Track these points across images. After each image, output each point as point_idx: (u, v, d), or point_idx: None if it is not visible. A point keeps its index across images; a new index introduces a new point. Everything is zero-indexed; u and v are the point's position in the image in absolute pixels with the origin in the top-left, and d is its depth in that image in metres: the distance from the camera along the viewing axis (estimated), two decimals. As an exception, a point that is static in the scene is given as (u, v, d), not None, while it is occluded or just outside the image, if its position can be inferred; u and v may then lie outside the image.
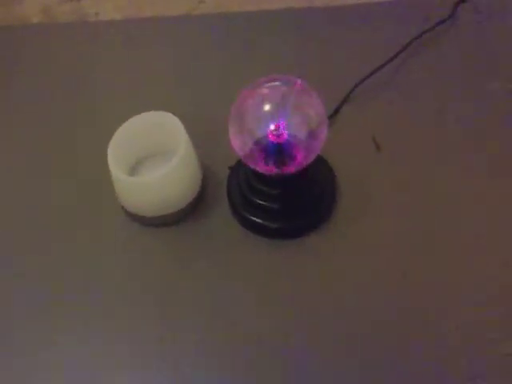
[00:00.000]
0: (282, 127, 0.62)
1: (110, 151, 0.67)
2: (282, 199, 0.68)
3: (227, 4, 0.99)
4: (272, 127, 0.62)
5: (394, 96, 0.80)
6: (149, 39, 0.94)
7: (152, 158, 0.73)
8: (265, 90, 0.63)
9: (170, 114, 0.69)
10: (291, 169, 0.64)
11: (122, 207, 0.71)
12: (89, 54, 0.94)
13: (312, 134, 0.64)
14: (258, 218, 0.68)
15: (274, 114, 0.62)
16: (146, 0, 1.03)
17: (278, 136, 0.63)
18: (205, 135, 0.74)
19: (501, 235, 0.66)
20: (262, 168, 0.64)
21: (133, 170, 0.73)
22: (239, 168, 0.70)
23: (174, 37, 0.94)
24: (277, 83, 0.63)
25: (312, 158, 0.64)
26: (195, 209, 0.71)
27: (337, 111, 0.77)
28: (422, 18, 0.87)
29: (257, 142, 0.64)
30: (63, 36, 0.98)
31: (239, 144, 0.64)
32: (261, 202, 0.67)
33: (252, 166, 0.65)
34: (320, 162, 0.70)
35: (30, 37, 0.99)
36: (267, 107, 0.63)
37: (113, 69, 0.90)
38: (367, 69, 0.79)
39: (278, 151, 0.64)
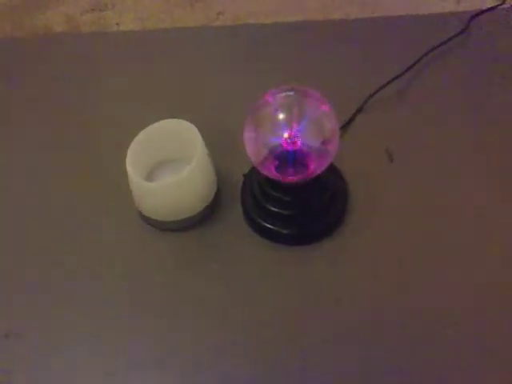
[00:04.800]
0: (295, 136, 0.64)
1: (128, 156, 0.69)
2: (294, 206, 0.69)
3: (245, 16, 1.02)
4: (286, 135, 0.64)
5: (407, 107, 0.81)
6: (168, 49, 0.96)
7: (169, 164, 0.75)
8: (279, 100, 0.64)
9: (186, 122, 0.71)
10: (304, 176, 0.66)
11: (138, 211, 0.73)
12: (109, 62, 0.96)
13: (325, 143, 0.65)
14: (270, 224, 0.69)
15: (288, 123, 0.64)
16: (166, 11, 1.06)
17: (292, 144, 0.64)
18: (220, 143, 0.76)
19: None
20: (275, 175, 0.66)
21: (150, 175, 0.75)
22: (253, 175, 0.72)
23: (193, 47, 0.96)
24: (291, 93, 0.65)
25: (324, 166, 0.66)
26: (209, 214, 0.73)
27: (350, 121, 0.79)
28: (436, 32, 0.88)
29: (271, 150, 0.66)
30: (85, 45, 1.01)
31: (254, 151, 0.65)
32: (274, 209, 0.69)
33: (266, 173, 0.66)
34: (332, 170, 0.72)
35: (54, 46, 1.02)
36: (281, 116, 0.64)
37: (132, 78, 0.93)
38: (381, 80, 0.81)
39: (292, 159, 0.65)
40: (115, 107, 0.88)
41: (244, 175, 0.74)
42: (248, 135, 0.65)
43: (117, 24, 1.06)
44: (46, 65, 0.98)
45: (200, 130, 0.71)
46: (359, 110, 0.80)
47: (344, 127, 0.78)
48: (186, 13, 1.05)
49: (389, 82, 0.80)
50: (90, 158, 0.82)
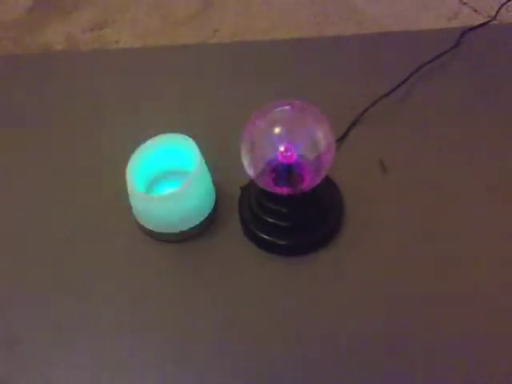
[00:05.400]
0: (291, 149, 0.65)
1: (128, 169, 0.71)
2: (291, 218, 0.70)
3: (241, 33, 1.04)
4: (281, 149, 0.65)
5: (401, 121, 0.83)
6: (166, 66, 0.98)
7: (168, 177, 0.77)
8: (275, 114, 0.66)
9: (185, 137, 0.72)
10: (300, 189, 0.67)
11: (138, 223, 0.74)
12: (109, 80, 0.98)
13: (320, 156, 0.67)
14: (267, 235, 0.71)
15: (284, 137, 0.65)
16: (164, 29, 1.08)
17: (287, 157, 0.66)
18: (219, 156, 0.77)
19: (503, 258, 0.68)
20: (272, 188, 0.67)
21: (149, 187, 0.76)
22: (250, 187, 0.73)
23: (191, 64, 0.98)
24: (286, 107, 0.66)
25: (320, 178, 0.67)
26: (208, 226, 0.74)
27: (345, 134, 0.81)
28: (428, 48, 0.90)
29: (268, 163, 0.67)
30: (85, 63, 1.03)
31: (251, 165, 0.67)
32: (270, 220, 0.70)
33: (262, 185, 0.68)
34: (328, 182, 0.73)
35: (54, 63, 1.04)
36: (277, 130, 0.66)
37: (132, 94, 0.94)
38: (375, 95, 0.83)
39: (288, 172, 0.67)
40: (115, 123, 0.90)
41: (241, 188, 0.76)
42: (245, 149, 0.66)
43: (116, 42, 1.08)
44: (46, 82, 0.99)
45: (198, 143, 0.72)
46: (354, 124, 0.82)
47: (339, 140, 0.79)
48: (183, 30, 1.07)
49: (382, 97, 0.82)
50: (89, 172, 0.83)
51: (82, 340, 0.67)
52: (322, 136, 0.66)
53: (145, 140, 0.74)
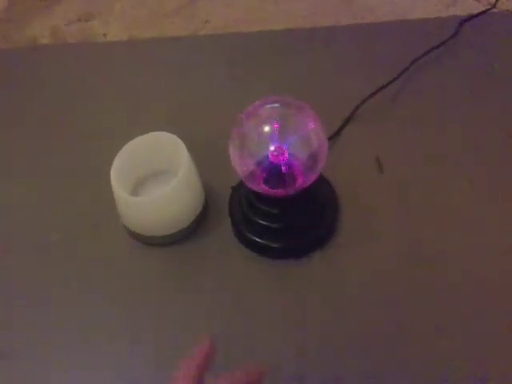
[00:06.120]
0: (282, 148, 0.62)
1: (113, 170, 0.68)
2: (283, 219, 0.68)
3: (232, 24, 1.01)
4: (272, 148, 0.62)
5: (398, 116, 0.80)
6: (155, 59, 0.95)
7: (155, 177, 0.74)
8: (264, 112, 0.63)
9: (171, 135, 0.70)
10: (292, 189, 0.64)
11: (125, 226, 0.72)
12: (96, 74, 0.95)
13: (312, 155, 0.64)
14: (259, 237, 0.68)
15: (274, 136, 0.63)
16: (154, 20, 1.04)
17: (279, 157, 0.63)
18: (208, 155, 0.74)
19: (503, 254, 0.66)
20: (262, 189, 0.65)
21: (136, 188, 0.73)
22: (241, 188, 0.70)
23: (180, 57, 0.95)
24: (276, 105, 0.63)
25: (312, 178, 0.64)
26: (197, 228, 0.72)
27: (339, 131, 0.78)
28: (426, 37, 0.87)
29: (258, 163, 0.65)
30: (72, 56, 1.00)
31: (240, 165, 0.64)
32: (262, 222, 0.67)
33: (253, 186, 0.65)
34: (322, 182, 0.70)
35: (40, 57, 1.01)
36: (267, 128, 0.63)
37: (119, 88, 0.92)
38: (370, 89, 0.79)
39: (279, 172, 0.64)
40: (101, 119, 0.87)
41: (232, 187, 0.73)
42: (233, 148, 0.63)
43: (104, 34, 1.05)
44: (32, 76, 0.97)
45: (187, 142, 0.69)
46: (348, 120, 0.78)
47: (333, 137, 0.76)
48: (173, 22, 1.03)
49: (378, 90, 0.79)
50: (74, 172, 0.80)
51: (69, 346, 0.65)
52: (314, 134, 0.63)
53: (131, 138, 0.71)
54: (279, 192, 0.65)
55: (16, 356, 0.65)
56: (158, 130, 0.71)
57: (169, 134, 0.70)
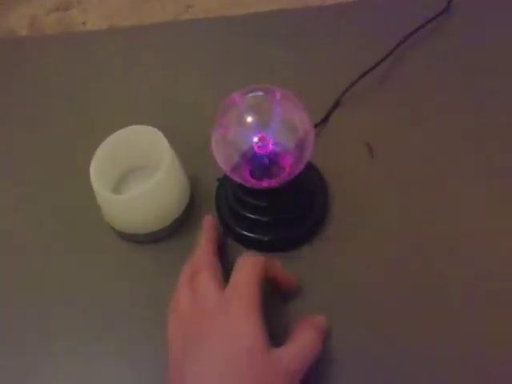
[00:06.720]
0: (266, 138, 0.60)
1: (92, 167, 0.65)
2: (271, 212, 0.65)
3: (216, 8, 0.97)
4: (256, 139, 0.60)
5: (387, 99, 0.77)
6: (136, 48, 0.92)
7: (137, 172, 0.71)
8: (246, 101, 0.60)
9: (151, 128, 0.67)
10: (279, 180, 0.62)
11: (109, 225, 0.69)
12: (75, 64, 0.92)
13: (299, 144, 0.61)
14: (247, 231, 0.66)
15: (258, 125, 0.60)
16: (133, 7, 1.01)
17: (264, 147, 0.61)
18: (193, 148, 0.71)
19: (502, 243, 0.63)
20: (248, 181, 0.62)
21: (117, 185, 0.71)
22: (227, 180, 0.68)
23: (161, 44, 0.92)
24: (259, 93, 0.60)
25: (300, 168, 0.61)
26: (184, 223, 0.69)
27: (327, 117, 0.75)
28: (414, 14, 0.84)
29: (243, 155, 0.62)
30: (50, 46, 0.97)
31: (223, 158, 0.61)
32: (249, 215, 0.65)
33: (238, 179, 0.62)
34: (310, 170, 0.68)
35: (18, 49, 0.98)
36: (249, 119, 0.60)
37: (99, 80, 0.89)
38: (357, 71, 0.76)
39: (264, 163, 0.62)
40: (81, 113, 0.84)
41: (218, 179, 0.70)
42: (216, 142, 0.60)
43: (83, 23, 1.01)
44: (10, 69, 0.94)
45: (171, 134, 0.66)
46: (336, 105, 0.75)
47: (320, 124, 0.73)
48: (154, 8, 1.00)
49: (366, 73, 0.76)
50: (55, 168, 0.78)
51: (56, 347, 0.63)
52: (300, 122, 0.61)
53: (111, 133, 0.68)
54: (266, 183, 0.62)
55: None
56: (139, 123, 0.68)
57: (149, 127, 0.67)
